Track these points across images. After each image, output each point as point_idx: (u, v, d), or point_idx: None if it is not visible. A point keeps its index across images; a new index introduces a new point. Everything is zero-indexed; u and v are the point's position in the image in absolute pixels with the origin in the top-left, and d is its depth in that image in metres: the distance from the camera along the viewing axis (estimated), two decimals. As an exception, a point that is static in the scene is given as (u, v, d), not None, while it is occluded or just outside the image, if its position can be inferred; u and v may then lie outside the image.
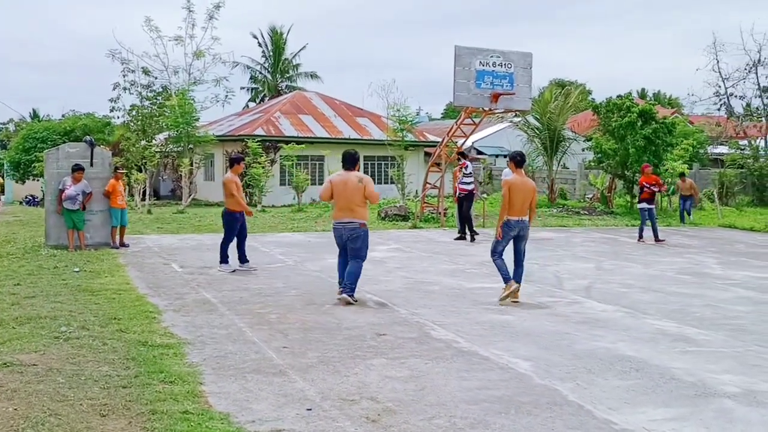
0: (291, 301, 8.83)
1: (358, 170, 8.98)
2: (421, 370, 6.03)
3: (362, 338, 7.03)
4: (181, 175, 25.84)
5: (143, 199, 23.51)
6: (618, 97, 24.48)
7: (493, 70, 17.61)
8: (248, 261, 11.17)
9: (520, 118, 26.76)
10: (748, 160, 28.80)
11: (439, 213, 19.42)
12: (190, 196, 24.91)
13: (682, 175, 21.41)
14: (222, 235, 11.26)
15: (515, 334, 7.32)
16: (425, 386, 5.59)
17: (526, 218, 8.94)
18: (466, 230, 15.73)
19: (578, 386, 5.66)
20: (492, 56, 17.70)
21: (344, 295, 8.58)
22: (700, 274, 11.70)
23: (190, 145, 26.59)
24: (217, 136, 28.47)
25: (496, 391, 5.49)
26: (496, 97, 17.71)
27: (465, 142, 20.29)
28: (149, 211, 21.67)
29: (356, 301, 8.65)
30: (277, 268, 11.44)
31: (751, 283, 10.86)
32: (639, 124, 22.37)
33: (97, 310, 8.00)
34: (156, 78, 28.44)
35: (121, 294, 8.97)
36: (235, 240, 11.11)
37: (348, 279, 8.66)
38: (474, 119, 19.22)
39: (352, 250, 8.71)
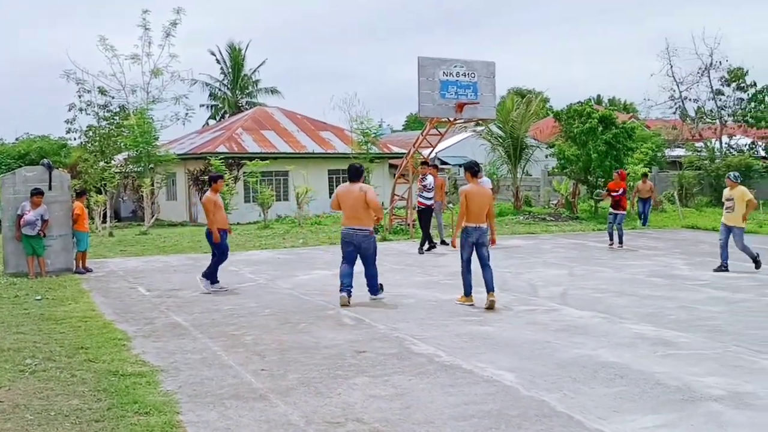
0: (265, 321, 8.62)
1: (363, 182, 9.73)
2: (405, 387, 5.89)
3: (342, 356, 6.87)
4: (142, 195, 25.29)
5: (104, 222, 22.93)
6: (578, 103, 24.83)
7: (457, 80, 17.67)
8: (219, 281, 10.93)
9: (482, 127, 26.90)
10: (705, 162, 29.44)
11: (408, 225, 19.35)
12: (152, 216, 24.38)
13: (644, 176, 21.75)
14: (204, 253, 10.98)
15: (496, 345, 7.24)
16: (411, 404, 5.45)
17: (484, 225, 9.24)
18: (434, 239, 15.77)
19: (565, 396, 5.59)
20: (455, 66, 17.76)
21: (376, 297, 9.70)
22: (670, 276, 11.81)
23: (151, 165, 26.04)
24: (179, 154, 27.98)
25: (484, 406, 5.39)
26: (461, 107, 17.76)
27: (432, 152, 20.28)
28: (111, 234, 21.12)
29: (382, 289, 9.82)
30: (248, 287, 11.20)
31: (720, 282, 11.00)
32: (600, 129, 22.70)
33: (62, 339, 7.68)
34: (113, 97, 27.78)
35: (87, 321, 8.63)
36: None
37: (370, 282, 9.71)
38: (439, 129, 19.23)
39: (364, 257, 9.55)
